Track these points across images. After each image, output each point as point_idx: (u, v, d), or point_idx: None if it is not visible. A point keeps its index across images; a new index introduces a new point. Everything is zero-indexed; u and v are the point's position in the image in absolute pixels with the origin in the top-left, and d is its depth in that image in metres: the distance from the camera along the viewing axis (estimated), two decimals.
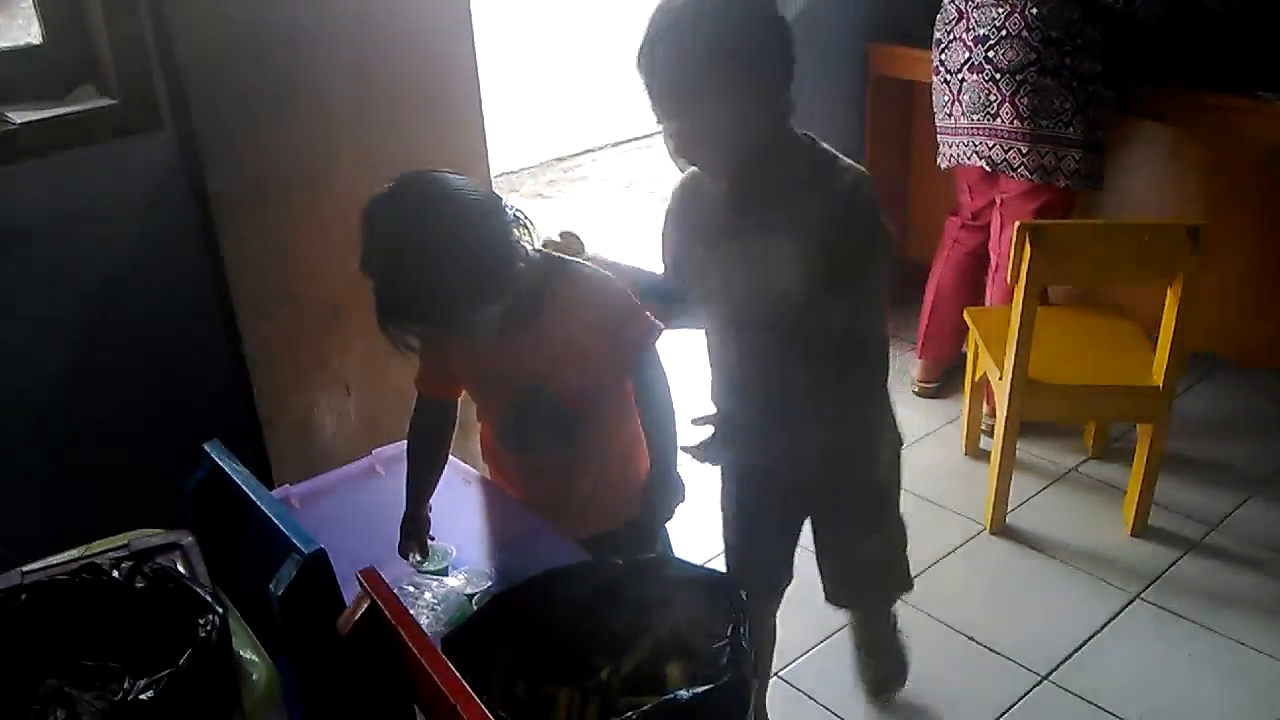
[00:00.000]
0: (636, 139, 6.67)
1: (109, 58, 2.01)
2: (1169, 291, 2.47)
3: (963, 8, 2.86)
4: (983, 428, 3.06)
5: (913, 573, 2.58)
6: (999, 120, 2.83)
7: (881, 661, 2.26)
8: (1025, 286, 2.47)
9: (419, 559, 1.73)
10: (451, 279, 1.52)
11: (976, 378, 2.96)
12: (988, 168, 2.91)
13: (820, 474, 1.79)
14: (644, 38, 1.48)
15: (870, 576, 2.02)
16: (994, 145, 2.87)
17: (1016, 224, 2.47)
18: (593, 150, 6.46)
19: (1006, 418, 2.64)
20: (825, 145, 1.61)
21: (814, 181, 1.56)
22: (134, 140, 2.03)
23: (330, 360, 2.33)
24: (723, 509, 1.95)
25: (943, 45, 2.94)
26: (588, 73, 8.50)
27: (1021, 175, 2.85)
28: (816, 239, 1.51)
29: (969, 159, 2.96)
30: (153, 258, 2.09)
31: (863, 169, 1.60)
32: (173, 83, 2.02)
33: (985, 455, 2.90)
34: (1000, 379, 2.64)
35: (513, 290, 1.60)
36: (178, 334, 2.15)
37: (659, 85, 1.48)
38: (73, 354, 2.05)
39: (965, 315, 3.02)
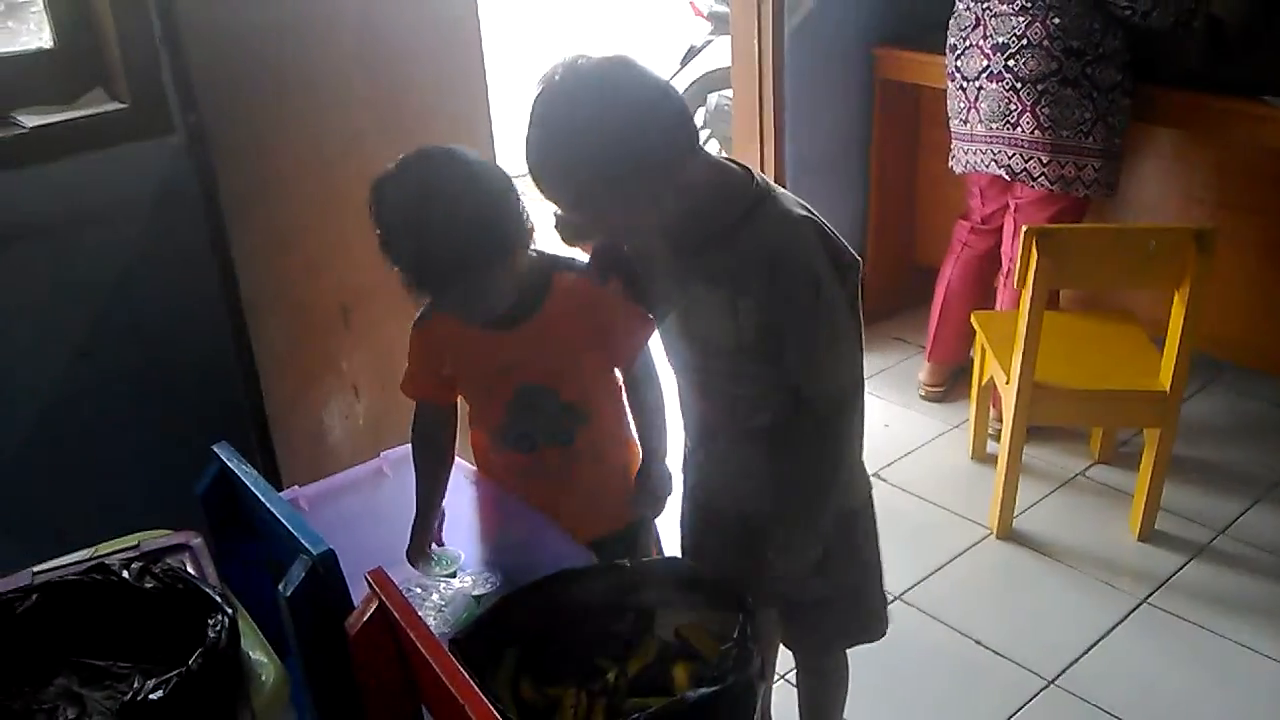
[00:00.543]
0: None
1: (119, 62, 2.02)
2: (1176, 296, 2.47)
3: (980, 15, 2.84)
4: (990, 432, 3.06)
5: (918, 578, 2.60)
6: (1019, 130, 2.81)
7: None
8: (1033, 291, 2.47)
9: (427, 567, 1.74)
10: (467, 228, 1.51)
11: (984, 382, 2.96)
12: (1006, 176, 2.89)
13: (759, 514, 1.64)
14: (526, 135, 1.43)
15: (818, 618, 1.79)
16: (1013, 155, 2.85)
17: (1024, 228, 2.47)
18: None
19: (1013, 422, 2.64)
20: (763, 182, 1.52)
21: (744, 227, 1.49)
22: (144, 143, 2.04)
23: (338, 361, 2.35)
24: (680, 524, 1.85)
25: (958, 51, 2.92)
26: None
27: (1041, 185, 2.84)
28: (743, 287, 1.48)
29: (986, 166, 2.94)
30: (162, 260, 2.10)
31: (803, 209, 1.50)
32: (182, 85, 2.04)
33: (992, 459, 2.89)
34: (1007, 383, 2.64)
35: (523, 267, 1.61)
36: (187, 335, 2.16)
37: (545, 189, 1.42)
38: (82, 355, 2.06)
39: (972, 319, 3.02)
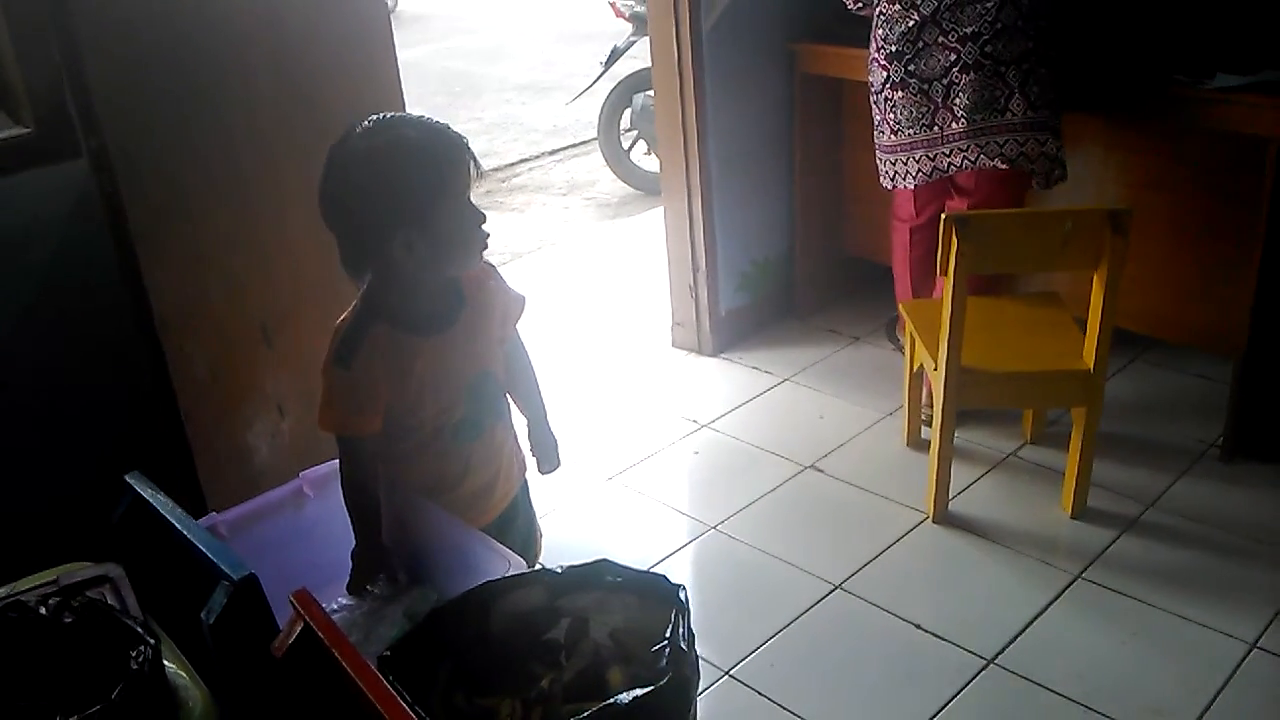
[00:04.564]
0: (573, 146, 6.68)
1: (21, 86, 1.98)
2: (1094, 276, 2.51)
3: (927, 14, 2.79)
4: (922, 418, 3.09)
5: (857, 566, 2.64)
6: (1009, 115, 2.78)
7: None
8: (954, 276, 2.50)
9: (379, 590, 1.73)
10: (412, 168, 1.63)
11: (914, 369, 2.99)
12: (1002, 165, 2.82)
13: None
14: None
15: None
16: (1006, 141, 2.80)
17: (943, 216, 2.50)
18: (529, 159, 6.47)
19: (943, 407, 2.67)
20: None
21: None
22: (50, 168, 2.00)
23: (262, 382, 2.31)
24: None
25: (907, 56, 2.84)
26: (520, 83, 8.49)
27: (1040, 167, 2.82)
28: None
29: (973, 162, 2.84)
30: (72, 286, 2.06)
31: None
32: (84, 107, 1.99)
33: (926, 445, 2.92)
34: (935, 369, 2.67)
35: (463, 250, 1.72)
36: (101, 363, 2.12)
37: None
38: None
39: (900, 308, 3.05)
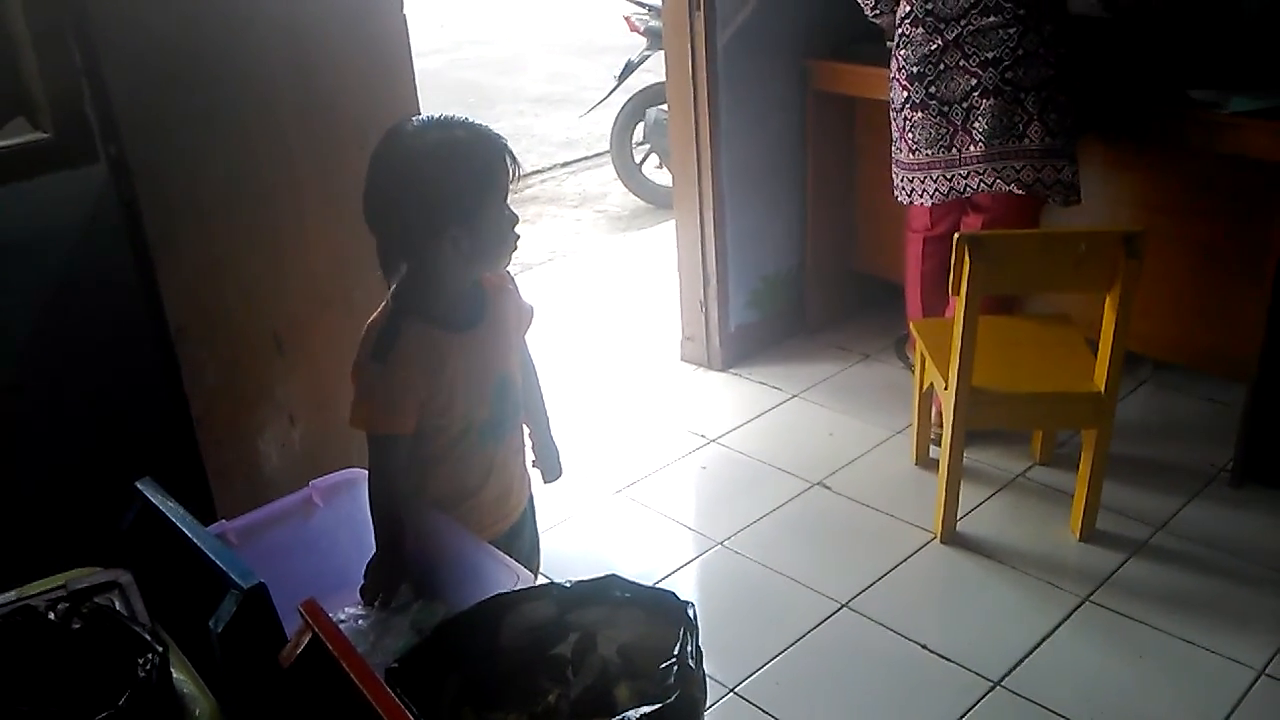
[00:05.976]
0: (585, 158, 6.70)
1: (41, 91, 1.99)
2: (1107, 299, 2.51)
3: (950, 38, 2.81)
4: (931, 437, 3.09)
5: (864, 585, 2.63)
6: (1027, 140, 2.79)
7: None
8: (967, 296, 2.50)
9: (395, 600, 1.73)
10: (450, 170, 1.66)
11: (924, 388, 2.99)
12: (1018, 190, 2.84)
13: None
14: None
15: None
16: (1023, 167, 2.81)
17: (956, 236, 2.49)
18: (541, 171, 6.48)
19: (953, 427, 2.66)
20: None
21: None
22: (68, 173, 2.01)
23: (273, 389, 2.32)
24: None
25: (929, 78, 2.86)
26: (533, 95, 8.52)
27: (1056, 194, 2.84)
28: None
29: (989, 185, 2.86)
30: (87, 291, 2.06)
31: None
32: (104, 113, 2.00)
33: (935, 464, 2.92)
34: (946, 389, 2.67)
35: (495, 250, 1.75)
36: (115, 368, 2.12)
37: None
38: (4, 392, 2.02)
39: (911, 327, 3.05)
